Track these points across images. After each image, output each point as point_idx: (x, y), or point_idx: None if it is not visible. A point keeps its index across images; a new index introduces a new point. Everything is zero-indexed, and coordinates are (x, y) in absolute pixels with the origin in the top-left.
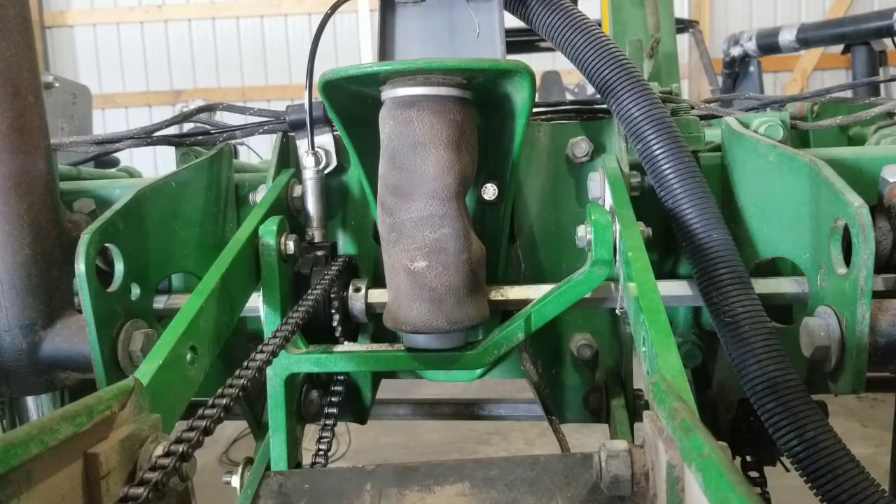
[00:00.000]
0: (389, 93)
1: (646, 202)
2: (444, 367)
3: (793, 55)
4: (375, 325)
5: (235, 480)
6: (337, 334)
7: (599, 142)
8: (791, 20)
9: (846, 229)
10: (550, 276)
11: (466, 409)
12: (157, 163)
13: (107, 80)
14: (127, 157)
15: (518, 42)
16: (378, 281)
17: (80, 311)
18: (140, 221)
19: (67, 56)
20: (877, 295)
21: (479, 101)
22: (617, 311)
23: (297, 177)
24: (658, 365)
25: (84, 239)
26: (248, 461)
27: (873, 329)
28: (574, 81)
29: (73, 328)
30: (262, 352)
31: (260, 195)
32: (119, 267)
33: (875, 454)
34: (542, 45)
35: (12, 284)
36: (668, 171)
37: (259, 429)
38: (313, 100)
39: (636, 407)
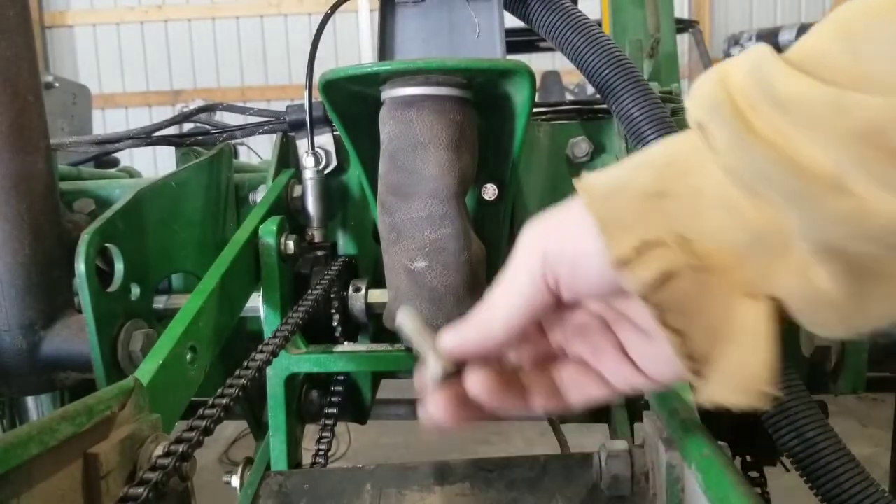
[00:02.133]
0: (389, 92)
1: None
2: None
3: None
4: (375, 325)
5: (235, 480)
6: (337, 334)
7: (599, 142)
8: (791, 20)
9: None
10: None
11: None
12: (156, 163)
13: (107, 80)
14: (127, 157)
15: (518, 42)
16: (378, 281)
17: (79, 311)
18: (140, 221)
19: (67, 56)
20: None
21: (479, 101)
22: None
23: (297, 177)
24: None
25: (84, 239)
26: (248, 461)
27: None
28: (574, 81)
29: (73, 328)
30: (262, 352)
31: (260, 195)
32: (119, 267)
33: (875, 454)
34: (542, 45)
35: (12, 284)
36: None
37: (259, 429)
38: (313, 100)
39: (636, 407)
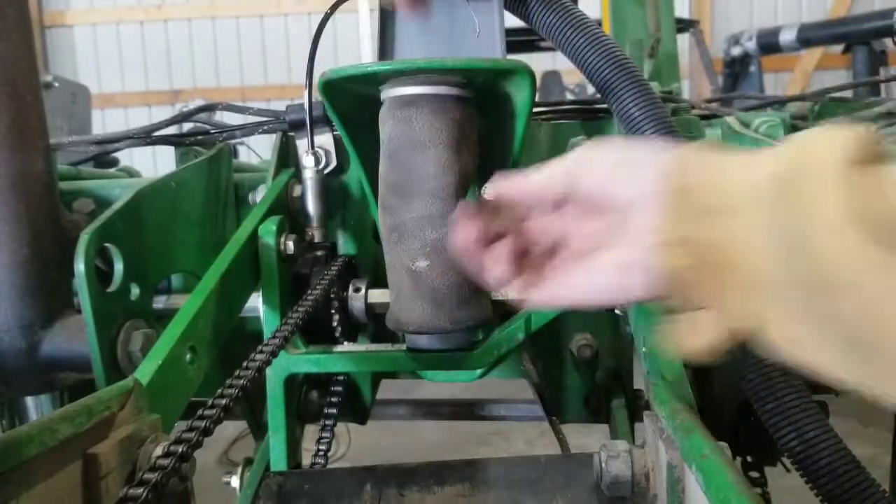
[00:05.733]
0: (389, 92)
1: None
2: (444, 368)
3: (793, 55)
4: (375, 326)
5: (235, 481)
6: (336, 334)
7: None
8: (792, 20)
9: None
10: None
11: (467, 410)
12: (156, 163)
13: (106, 80)
14: (126, 156)
15: (518, 42)
16: (378, 281)
17: (79, 312)
18: (139, 221)
19: (67, 56)
20: None
21: (480, 101)
22: (617, 312)
23: (297, 176)
24: (658, 366)
25: (83, 239)
26: (248, 462)
27: None
28: (574, 81)
29: (72, 328)
30: (261, 352)
31: (259, 195)
32: (118, 267)
33: (875, 454)
34: (542, 45)
35: (12, 284)
36: None
37: (258, 429)
38: (313, 99)
39: (636, 407)
